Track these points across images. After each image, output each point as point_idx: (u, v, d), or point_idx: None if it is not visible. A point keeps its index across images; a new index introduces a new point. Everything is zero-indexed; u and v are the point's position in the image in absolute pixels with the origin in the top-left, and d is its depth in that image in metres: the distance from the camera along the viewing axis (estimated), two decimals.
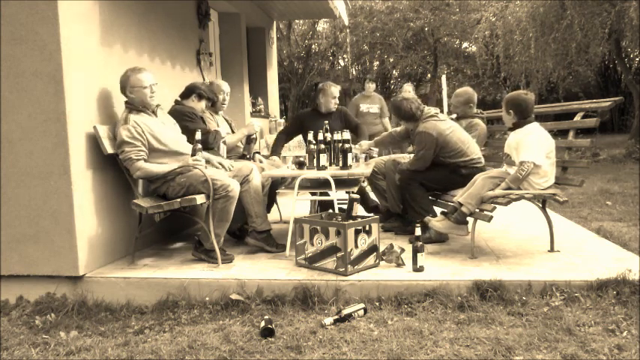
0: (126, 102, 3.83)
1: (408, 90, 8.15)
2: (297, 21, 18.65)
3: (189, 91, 4.45)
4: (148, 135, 3.75)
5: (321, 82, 5.37)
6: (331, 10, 8.05)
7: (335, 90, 5.16)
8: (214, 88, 4.80)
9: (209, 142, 4.30)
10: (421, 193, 4.34)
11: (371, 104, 8.08)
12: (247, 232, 4.24)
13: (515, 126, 3.92)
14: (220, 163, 4.11)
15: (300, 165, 4.22)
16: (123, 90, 3.81)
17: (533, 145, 3.75)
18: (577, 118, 4.12)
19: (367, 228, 3.57)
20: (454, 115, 5.00)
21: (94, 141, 3.65)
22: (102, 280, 3.55)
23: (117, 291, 3.50)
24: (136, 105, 3.81)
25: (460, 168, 4.25)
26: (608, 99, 4.03)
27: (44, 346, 2.90)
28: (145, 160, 3.73)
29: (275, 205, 5.05)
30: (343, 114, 5.27)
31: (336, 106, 5.22)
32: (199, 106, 4.47)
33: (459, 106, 4.94)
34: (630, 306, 3.01)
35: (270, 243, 4.13)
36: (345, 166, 4.17)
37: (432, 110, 4.40)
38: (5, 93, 3.44)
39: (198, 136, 3.92)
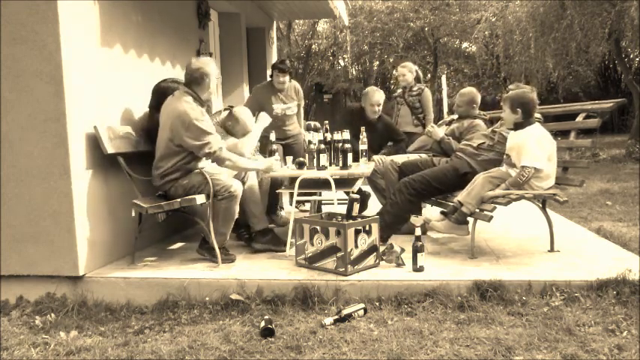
0: (186, 92, 3.72)
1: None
2: (297, 21, 18.63)
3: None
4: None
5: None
6: (331, 10, 8.03)
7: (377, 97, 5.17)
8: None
9: None
10: (413, 203, 4.18)
11: (287, 102, 5.53)
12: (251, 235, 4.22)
13: (517, 126, 3.86)
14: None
15: (300, 165, 4.22)
16: (198, 79, 3.73)
17: (534, 149, 3.70)
18: (579, 118, 4.11)
19: (367, 228, 3.57)
20: (455, 115, 4.98)
21: (94, 141, 3.65)
22: (102, 280, 3.55)
23: (117, 291, 3.50)
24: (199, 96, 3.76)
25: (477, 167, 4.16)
26: (609, 100, 4.02)
27: (44, 346, 2.90)
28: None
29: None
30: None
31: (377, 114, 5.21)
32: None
33: (462, 105, 4.91)
34: (630, 306, 3.01)
35: (276, 243, 4.10)
36: (345, 166, 4.17)
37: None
38: (5, 93, 3.44)
39: (272, 137, 3.85)
